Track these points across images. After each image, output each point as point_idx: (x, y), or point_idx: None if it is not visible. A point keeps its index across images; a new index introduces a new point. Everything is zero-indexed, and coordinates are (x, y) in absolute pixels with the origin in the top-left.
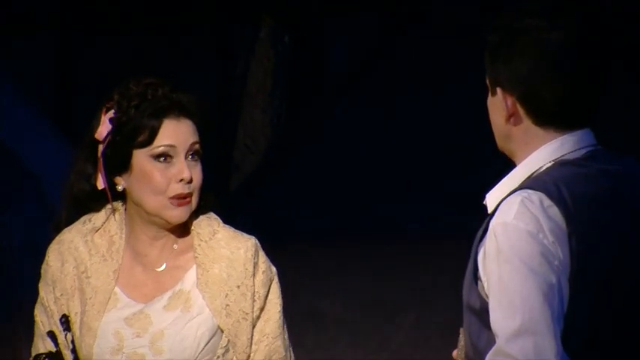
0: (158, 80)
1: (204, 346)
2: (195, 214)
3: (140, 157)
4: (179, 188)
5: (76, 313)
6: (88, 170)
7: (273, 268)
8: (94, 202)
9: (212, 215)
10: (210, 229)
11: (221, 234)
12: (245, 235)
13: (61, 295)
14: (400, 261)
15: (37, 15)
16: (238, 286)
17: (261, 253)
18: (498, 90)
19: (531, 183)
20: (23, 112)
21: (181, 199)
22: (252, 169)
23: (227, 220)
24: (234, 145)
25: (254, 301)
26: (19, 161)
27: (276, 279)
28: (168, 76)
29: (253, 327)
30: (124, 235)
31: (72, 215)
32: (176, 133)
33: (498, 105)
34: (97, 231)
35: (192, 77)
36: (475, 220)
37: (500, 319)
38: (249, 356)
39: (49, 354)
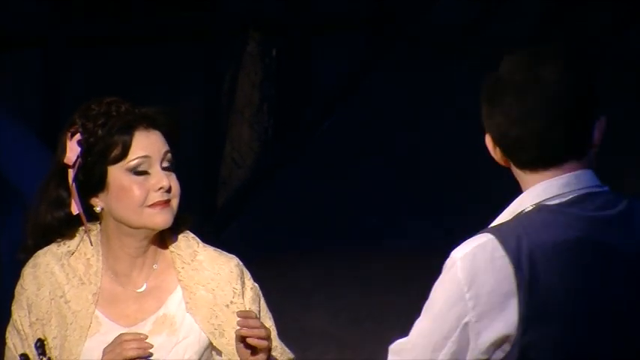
0: (118, 98)
1: None
2: (172, 234)
3: (116, 173)
4: (158, 196)
5: (54, 337)
6: (61, 197)
7: (256, 285)
8: (66, 228)
9: (189, 235)
10: (190, 250)
11: (202, 255)
12: (226, 254)
13: (37, 319)
14: (387, 277)
15: (25, 30)
16: (227, 306)
17: (246, 271)
18: (487, 136)
19: (500, 227)
20: (9, 128)
21: (162, 203)
22: (239, 183)
23: (214, 234)
24: (222, 159)
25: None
26: (4, 177)
27: (261, 294)
28: (158, 90)
29: None
30: (100, 257)
31: (40, 244)
32: (148, 144)
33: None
34: (72, 254)
35: (179, 91)
36: (462, 237)
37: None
38: None
39: None
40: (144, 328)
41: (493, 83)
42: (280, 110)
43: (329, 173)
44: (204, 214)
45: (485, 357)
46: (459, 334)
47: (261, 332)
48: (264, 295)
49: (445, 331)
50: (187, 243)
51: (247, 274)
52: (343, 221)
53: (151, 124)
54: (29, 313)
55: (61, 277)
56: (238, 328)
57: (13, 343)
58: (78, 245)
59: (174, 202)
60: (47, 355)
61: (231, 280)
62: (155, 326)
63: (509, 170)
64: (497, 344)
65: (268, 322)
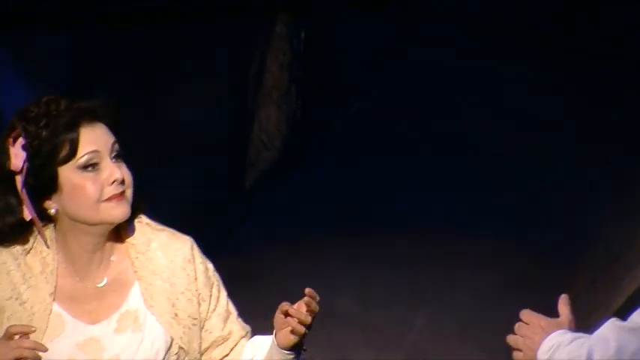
0: (54, 96)
1: None
2: (126, 222)
3: (67, 173)
4: (113, 189)
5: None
6: (11, 204)
7: (209, 264)
8: (20, 233)
9: (143, 219)
10: (144, 237)
11: (156, 242)
12: (180, 236)
13: None
14: (413, 258)
15: (50, 10)
16: (183, 293)
17: (197, 254)
18: None
19: None
20: None
21: (117, 196)
22: (267, 165)
23: (241, 216)
24: (250, 141)
25: (199, 304)
26: None
27: (214, 273)
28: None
29: (202, 328)
30: (56, 256)
31: None
32: (95, 138)
33: None
34: (28, 252)
35: (206, 72)
36: (488, 220)
37: None
38: None
39: None
40: (109, 327)
41: None
42: (308, 91)
43: (356, 155)
44: (231, 195)
45: None
46: None
47: (307, 318)
48: (291, 272)
49: None
50: (141, 230)
51: (199, 257)
52: (370, 203)
53: (94, 117)
54: None
55: (17, 277)
56: (191, 317)
57: None
58: (34, 243)
59: (129, 193)
60: None
61: (185, 266)
62: (120, 324)
63: (533, 153)
64: None
65: (223, 300)
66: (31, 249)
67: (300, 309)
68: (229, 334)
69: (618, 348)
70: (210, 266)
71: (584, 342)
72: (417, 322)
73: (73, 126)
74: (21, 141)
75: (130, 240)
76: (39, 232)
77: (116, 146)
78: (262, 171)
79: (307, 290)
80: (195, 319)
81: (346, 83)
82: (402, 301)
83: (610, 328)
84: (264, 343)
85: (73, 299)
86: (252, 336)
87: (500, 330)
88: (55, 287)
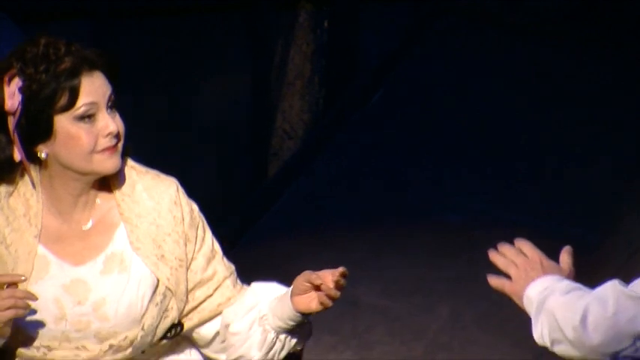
0: (53, 38)
1: (148, 303)
2: None
3: (63, 122)
4: (107, 142)
5: None
6: (0, 142)
7: (194, 205)
8: (7, 173)
9: (128, 162)
10: (130, 180)
11: (141, 184)
12: (165, 178)
13: None
14: (437, 250)
15: (68, 1)
16: (169, 234)
17: (182, 195)
18: None
19: None
20: None
21: (110, 148)
22: (290, 154)
23: (264, 205)
24: (273, 131)
25: (185, 245)
26: None
27: (199, 214)
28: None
29: (188, 269)
30: (40, 199)
31: None
32: (94, 89)
33: None
34: (11, 195)
35: (229, 62)
36: (510, 212)
37: None
38: (185, 303)
39: None
40: (94, 268)
41: None
42: (330, 81)
43: (379, 145)
44: (254, 185)
45: None
46: None
47: (337, 294)
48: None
49: None
50: (127, 173)
51: (184, 198)
52: (393, 194)
53: (93, 65)
54: None
55: (1, 220)
56: (178, 259)
57: None
58: (16, 185)
59: (121, 144)
60: None
61: (172, 208)
62: (105, 265)
63: (558, 149)
64: None
65: (208, 240)
66: (14, 191)
67: (327, 282)
68: (214, 274)
69: (615, 312)
70: (195, 207)
71: (581, 296)
72: (439, 313)
73: (74, 74)
74: (17, 81)
75: (115, 183)
76: (28, 174)
77: (112, 97)
78: (285, 160)
79: (341, 270)
80: (182, 260)
81: (367, 73)
82: (424, 292)
83: (611, 290)
84: (267, 293)
85: (58, 241)
86: (236, 276)
87: (523, 321)
88: (40, 229)
